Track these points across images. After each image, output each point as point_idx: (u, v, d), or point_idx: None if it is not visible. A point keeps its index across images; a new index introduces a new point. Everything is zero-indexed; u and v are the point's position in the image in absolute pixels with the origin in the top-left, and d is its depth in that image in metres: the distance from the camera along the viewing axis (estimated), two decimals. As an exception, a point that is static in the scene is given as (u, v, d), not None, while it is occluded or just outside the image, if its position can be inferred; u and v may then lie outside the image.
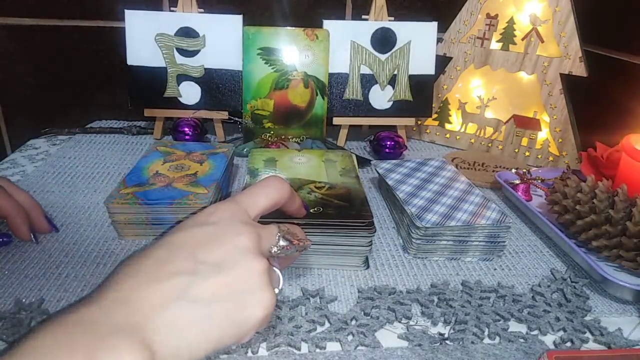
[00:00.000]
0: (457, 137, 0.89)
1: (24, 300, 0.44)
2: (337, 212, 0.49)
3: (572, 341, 0.43)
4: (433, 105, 0.86)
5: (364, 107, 0.83)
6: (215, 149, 0.65)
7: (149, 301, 0.26)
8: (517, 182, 0.69)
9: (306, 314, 0.44)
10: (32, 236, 0.52)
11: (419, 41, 0.81)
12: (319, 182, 0.56)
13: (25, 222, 0.51)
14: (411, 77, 0.82)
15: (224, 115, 0.82)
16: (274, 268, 0.34)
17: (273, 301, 0.30)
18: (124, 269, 0.28)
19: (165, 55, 0.78)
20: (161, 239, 0.31)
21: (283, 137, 0.81)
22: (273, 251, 0.34)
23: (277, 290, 0.33)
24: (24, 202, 0.52)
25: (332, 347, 0.41)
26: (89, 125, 0.90)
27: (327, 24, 0.80)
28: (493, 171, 0.76)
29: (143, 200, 0.51)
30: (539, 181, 0.69)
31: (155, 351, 0.25)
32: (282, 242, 0.34)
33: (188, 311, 0.27)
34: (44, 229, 0.53)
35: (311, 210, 0.50)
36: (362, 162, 0.76)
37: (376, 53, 0.81)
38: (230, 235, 0.30)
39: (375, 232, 0.49)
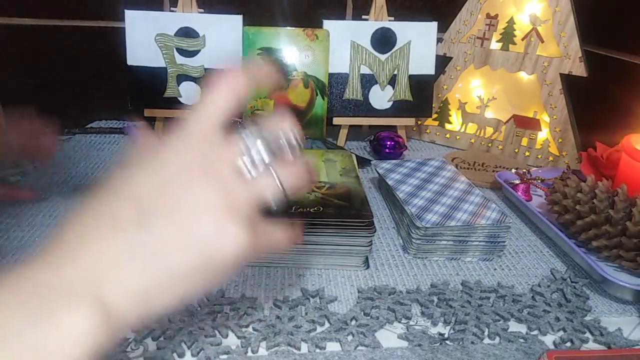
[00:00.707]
0: (457, 137, 0.89)
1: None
2: (337, 212, 0.50)
3: (572, 341, 0.43)
4: (433, 105, 0.86)
5: (364, 107, 0.83)
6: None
7: (98, 259, 0.23)
8: (517, 182, 0.69)
9: (306, 314, 0.44)
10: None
11: (419, 41, 0.81)
12: (319, 182, 0.56)
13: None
14: (411, 77, 0.82)
15: (224, 115, 0.82)
16: (270, 176, 0.27)
17: (243, 236, 0.25)
18: (68, 225, 0.25)
19: (165, 56, 0.78)
20: (106, 184, 0.26)
21: (283, 137, 0.81)
22: (246, 171, 0.27)
23: (273, 205, 0.27)
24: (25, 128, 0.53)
25: (332, 347, 0.41)
26: (88, 126, 0.90)
27: (327, 24, 0.80)
28: (493, 171, 0.76)
29: None
30: (539, 181, 0.69)
31: (111, 310, 0.23)
32: (259, 154, 0.27)
33: (141, 268, 0.24)
34: (51, 146, 0.55)
35: (311, 210, 0.50)
36: (362, 162, 0.76)
37: (376, 53, 0.81)
38: (180, 175, 0.25)
39: (375, 232, 0.49)
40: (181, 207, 0.25)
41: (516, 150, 0.84)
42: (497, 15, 0.82)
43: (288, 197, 0.27)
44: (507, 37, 0.81)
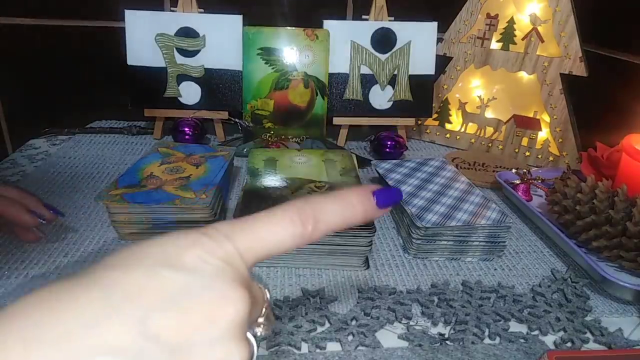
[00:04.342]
0: (457, 137, 0.89)
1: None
2: (337, 212, 0.49)
3: (572, 341, 0.43)
4: (433, 105, 0.86)
5: (364, 107, 0.83)
6: (216, 152, 0.65)
7: None
8: (518, 182, 0.69)
9: (306, 314, 0.44)
10: (39, 219, 0.49)
11: (419, 41, 0.81)
12: (319, 182, 0.56)
13: (23, 210, 0.48)
14: (411, 77, 0.82)
15: (224, 115, 0.82)
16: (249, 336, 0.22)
17: None
18: (32, 313, 0.17)
19: (165, 55, 0.78)
20: (104, 269, 0.19)
21: (283, 137, 0.81)
22: (258, 331, 0.23)
23: None
24: (16, 197, 0.49)
25: (332, 347, 0.41)
26: (89, 125, 0.90)
27: (327, 24, 0.80)
28: (493, 171, 0.76)
29: (130, 203, 0.51)
30: (539, 181, 0.69)
31: None
32: (260, 319, 0.23)
33: None
34: (47, 217, 0.50)
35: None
36: (363, 162, 0.76)
37: (376, 53, 0.81)
38: (209, 298, 0.19)
39: (375, 232, 0.49)
40: (199, 347, 0.18)
41: (516, 150, 0.84)
42: (497, 15, 0.82)
43: None
44: (507, 37, 0.81)
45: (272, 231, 0.22)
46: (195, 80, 0.80)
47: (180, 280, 0.19)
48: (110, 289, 0.18)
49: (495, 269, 0.53)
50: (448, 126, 0.90)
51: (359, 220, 0.24)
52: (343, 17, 0.93)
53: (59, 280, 0.18)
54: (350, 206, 0.24)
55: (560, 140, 0.80)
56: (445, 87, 0.88)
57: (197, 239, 0.20)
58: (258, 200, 0.52)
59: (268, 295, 0.23)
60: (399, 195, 0.25)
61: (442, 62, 0.87)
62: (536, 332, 0.44)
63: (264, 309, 0.23)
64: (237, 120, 0.81)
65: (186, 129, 0.79)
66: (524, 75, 0.82)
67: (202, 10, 0.79)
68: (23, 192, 0.51)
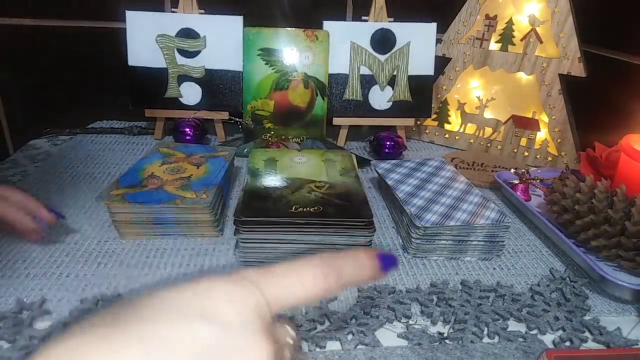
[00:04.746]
0: (457, 137, 0.89)
1: (25, 299, 0.44)
2: (337, 212, 0.50)
3: (571, 340, 0.43)
4: (432, 106, 0.86)
5: (363, 108, 0.83)
6: (216, 152, 0.65)
7: None
8: (516, 182, 0.69)
9: (306, 312, 0.44)
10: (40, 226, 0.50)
11: (418, 42, 0.81)
12: (319, 182, 0.56)
13: (27, 216, 0.49)
14: (410, 78, 0.83)
15: (225, 115, 0.82)
16: None
17: None
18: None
19: (166, 56, 0.79)
20: (140, 320, 0.19)
21: (283, 137, 0.81)
22: None
23: None
24: (20, 200, 0.50)
25: (332, 346, 0.41)
26: (90, 126, 0.90)
27: (327, 24, 0.80)
28: (492, 171, 0.76)
29: (131, 203, 0.51)
30: (538, 181, 0.70)
31: None
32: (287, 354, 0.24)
33: None
34: (49, 222, 0.51)
35: (311, 210, 0.50)
36: (362, 162, 0.76)
37: (376, 54, 0.81)
38: (241, 352, 0.20)
39: (375, 231, 0.49)
40: None
41: (515, 151, 0.84)
42: (496, 16, 0.82)
43: None
44: (506, 37, 0.82)
45: (298, 283, 0.24)
46: (196, 80, 0.80)
47: (214, 333, 0.20)
48: (148, 341, 0.18)
49: (494, 269, 0.53)
50: (447, 126, 0.90)
51: (367, 280, 0.27)
52: (343, 17, 0.94)
53: (93, 327, 0.19)
54: (361, 267, 0.27)
55: (558, 140, 0.80)
56: (444, 87, 0.89)
57: (230, 289, 0.22)
58: (258, 200, 0.52)
59: (293, 334, 0.25)
60: (396, 261, 0.29)
61: (441, 62, 0.87)
62: (535, 331, 0.44)
63: (287, 352, 0.24)
64: (237, 119, 0.81)
65: (187, 130, 0.79)
66: (522, 75, 0.83)
67: (202, 11, 0.79)
68: (26, 194, 0.51)
